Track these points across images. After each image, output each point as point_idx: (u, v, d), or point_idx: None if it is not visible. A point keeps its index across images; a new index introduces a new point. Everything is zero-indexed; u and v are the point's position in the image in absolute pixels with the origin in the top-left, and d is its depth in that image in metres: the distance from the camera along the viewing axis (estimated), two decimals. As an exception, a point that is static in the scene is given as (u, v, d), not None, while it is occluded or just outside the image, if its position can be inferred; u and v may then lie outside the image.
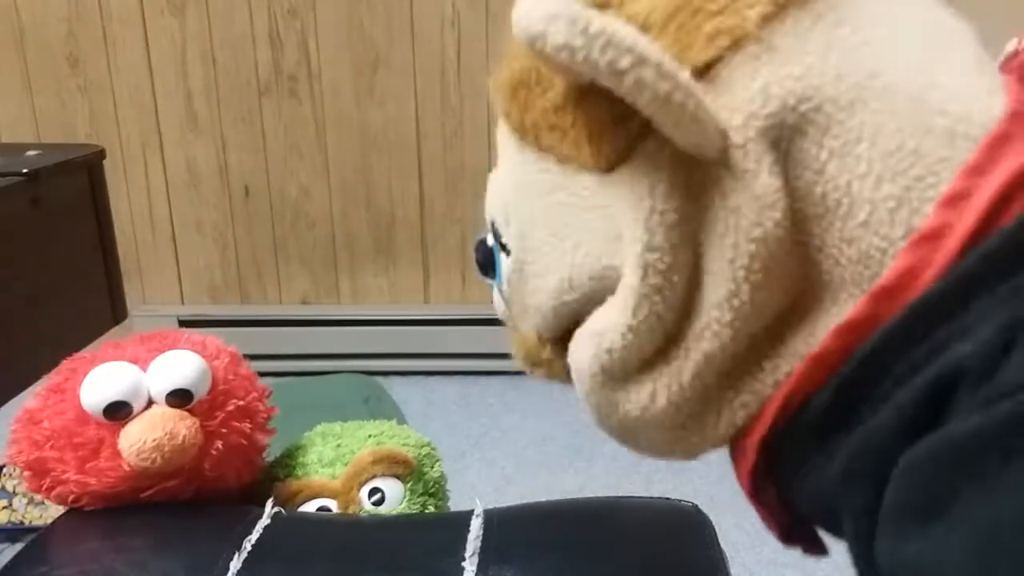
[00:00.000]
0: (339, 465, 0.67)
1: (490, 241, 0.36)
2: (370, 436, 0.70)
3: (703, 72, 0.26)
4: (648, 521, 0.63)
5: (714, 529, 0.61)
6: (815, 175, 0.26)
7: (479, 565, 0.57)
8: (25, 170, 1.23)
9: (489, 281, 0.37)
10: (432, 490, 0.70)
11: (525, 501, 0.66)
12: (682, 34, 0.26)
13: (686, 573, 0.58)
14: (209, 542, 0.59)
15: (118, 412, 0.60)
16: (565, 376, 0.34)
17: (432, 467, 0.71)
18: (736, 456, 0.31)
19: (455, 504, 0.69)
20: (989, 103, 0.25)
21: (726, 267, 0.26)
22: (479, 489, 1.54)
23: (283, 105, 1.89)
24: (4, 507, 1.36)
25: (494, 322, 1.85)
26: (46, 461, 0.61)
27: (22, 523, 1.35)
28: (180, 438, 0.59)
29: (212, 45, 1.86)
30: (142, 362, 0.62)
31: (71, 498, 0.61)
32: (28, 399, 0.64)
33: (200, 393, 0.62)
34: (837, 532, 0.29)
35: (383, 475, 0.67)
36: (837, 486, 0.26)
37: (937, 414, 0.23)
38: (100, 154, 1.42)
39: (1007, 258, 0.23)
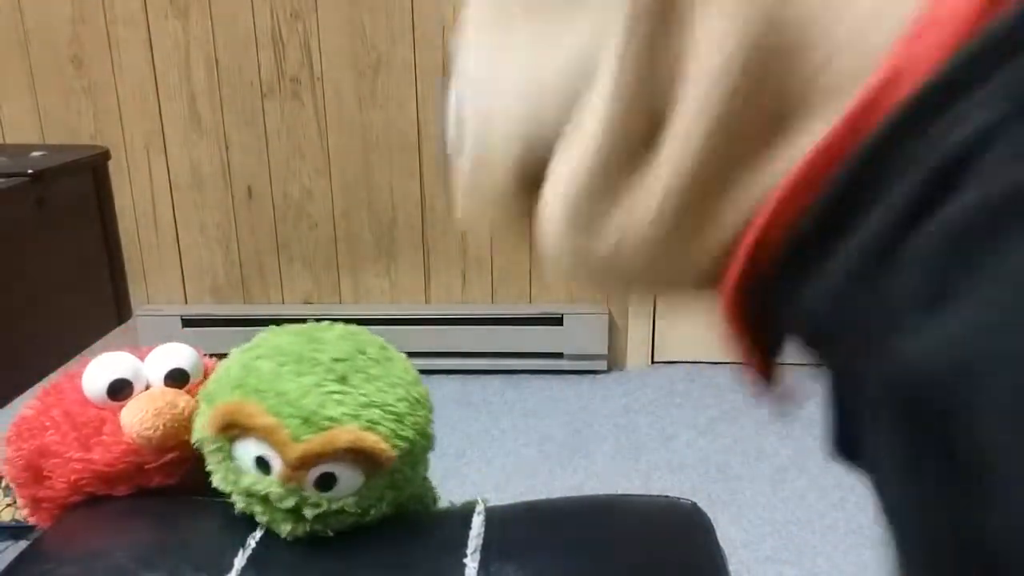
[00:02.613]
0: (313, 427, 0.55)
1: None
2: (370, 406, 0.57)
3: None
4: (647, 518, 0.63)
5: (712, 526, 0.62)
6: None
7: (480, 562, 0.57)
8: (30, 171, 1.24)
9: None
10: (398, 484, 0.60)
11: (525, 499, 0.67)
12: None
13: (684, 569, 0.59)
14: (214, 538, 0.60)
15: (121, 391, 0.64)
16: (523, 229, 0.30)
17: (414, 468, 0.61)
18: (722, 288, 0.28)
19: (456, 502, 0.69)
20: None
21: (716, 47, 0.24)
22: (479, 487, 1.55)
23: (285, 107, 1.89)
24: (8, 505, 1.37)
25: (494, 322, 1.88)
26: (48, 447, 0.63)
27: (26, 521, 1.36)
28: (179, 408, 0.63)
29: (215, 47, 1.87)
30: (138, 355, 0.67)
31: (74, 478, 0.62)
32: (23, 409, 0.66)
33: (195, 376, 0.67)
34: (831, 360, 0.27)
35: (347, 463, 0.56)
36: (836, 299, 0.24)
37: (935, 204, 0.22)
38: (104, 155, 1.43)
39: (1010, 40, 0.22)
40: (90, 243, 1.39)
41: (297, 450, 0.55)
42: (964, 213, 0.22)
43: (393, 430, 0.57)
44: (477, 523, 0.61)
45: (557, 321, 1.94)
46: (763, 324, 0.27)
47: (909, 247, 0.23)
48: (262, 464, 0.57)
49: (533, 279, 1.97)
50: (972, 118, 0.22)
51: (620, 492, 0.71)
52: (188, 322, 1.93)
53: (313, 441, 0.55)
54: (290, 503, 0.57)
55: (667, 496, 0.65)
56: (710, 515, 0.63)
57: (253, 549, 0.59)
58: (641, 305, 1.99)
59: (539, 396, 1.90)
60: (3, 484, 1.38)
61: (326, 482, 0.56)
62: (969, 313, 0.21)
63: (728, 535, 1.38)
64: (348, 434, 0.55)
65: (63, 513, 0.64)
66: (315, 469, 0.56)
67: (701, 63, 0.25)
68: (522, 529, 0.61)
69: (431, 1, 1.82)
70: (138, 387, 0.65)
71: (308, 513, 0.57)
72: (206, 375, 0.68)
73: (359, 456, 0.56)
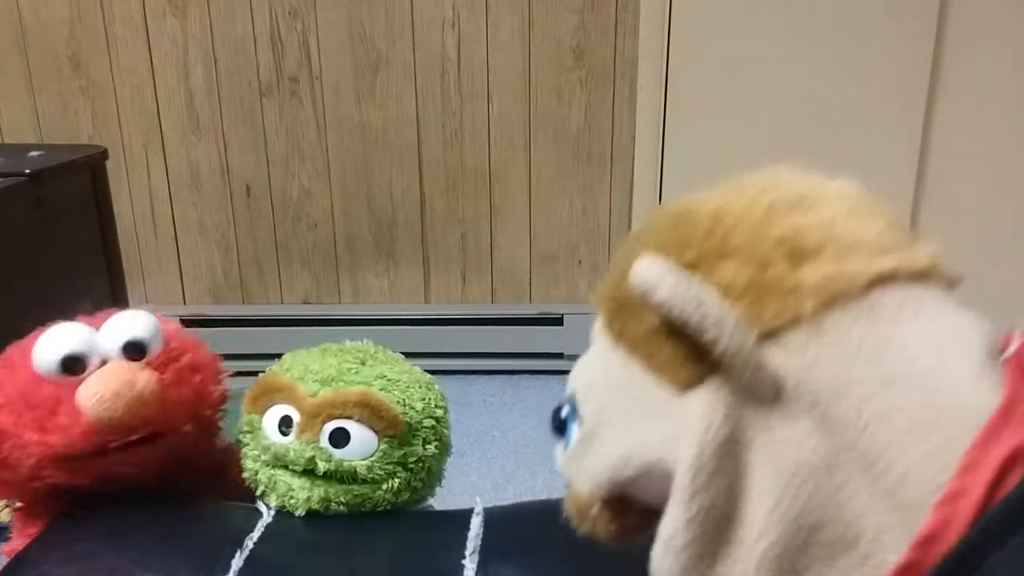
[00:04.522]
0: (330, 389, 0.63)
1: (564, 412, 0.43)
2: (382, 377, 0.65)
3: (767, 335, 0.35)
4: (647, 519, 0.63)
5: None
6: (858, 432, 0.32)
7: (479, 563, 0.57)
8: (28, 171, 1.24)
9: (559, 440, 0.45)
10: (412, 466, 0.64)
11: (524, 500, 0.66)
12: (754, 305, 0.35)
13: (684, 571, 0.58)
14: (211, 540, 0.60)
15: (74, 367, 0.59)
16: (609, 534, 0.42)
17: (425, 445, 0.65)
18: None
19: (456, 503, 0.68)
20: (990, 397, 0.32)
21: (773, 479, 0.33)
22: (479, 488, 1.55)
23: (284, 106, 1.89)
24: (5, 506, 1.36)
25: (493, 322, 1.89)
26: (3, 429, 0.58)
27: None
28: (139, 386, 0.58)
29: (213, 46, 1.86)
30: (95, 324, 0.61)
31: (33, 462, 0.59)
32: None
33: (154, 347, 0.62)
34: None
35: (359, 420, 0.62)
36: None
37: None
38: (102, 155, 1.43)
39: (1010, 520, 0.29)
40: (88, 243, 1.38)
41: (313, 402, 0.62)
42: None
43: (401, 399, 0.64)
44: (476, 524, 0.61)
45: (557, 321, 1.94)
46: None
47: None
48: (285, 426, 0.63)
49: (533, 279, 1.97)
50: (999, 573, 0.28)
51: (620, 492, 0.70)
52: (187, 322, 1.93)
53: (327, 394, 0.62)
54: (308, 455, 0.62)
55: (667, 496, 0.65)
56: (711, 515, 0.62)
57: (251, 550, 0.58)
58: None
59: (539, 396, 1.89)
60: None
61: (339, 439, 0.62)
62: None
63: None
64: (359, 389, 0.63)
65: (59, 515, 0.63)
66: (329, 424, 0.62)
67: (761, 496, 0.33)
68: (521, 529, 0.61)
69: (431, 1, 1.82)
70: (94, 360, 0.59)
71: (321, 467, 0.62)
72: (169, 344, 0.63)
73: (368, 412, 0.62)
